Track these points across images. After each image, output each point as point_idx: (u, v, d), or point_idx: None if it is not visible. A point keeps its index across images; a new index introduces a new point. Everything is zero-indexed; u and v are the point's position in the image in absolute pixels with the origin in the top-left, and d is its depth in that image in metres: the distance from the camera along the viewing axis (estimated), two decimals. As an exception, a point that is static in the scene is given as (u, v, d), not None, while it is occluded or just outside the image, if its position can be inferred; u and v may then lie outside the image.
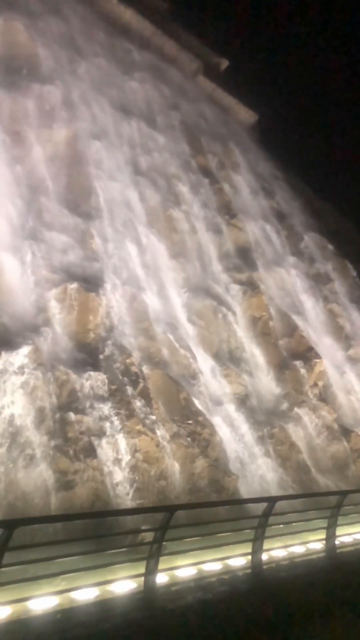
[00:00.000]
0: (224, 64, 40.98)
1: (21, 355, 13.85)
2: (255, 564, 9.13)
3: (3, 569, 6.06)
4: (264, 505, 9.53)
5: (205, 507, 12.33)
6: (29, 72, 22.26)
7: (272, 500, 9.70)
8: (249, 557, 9.20)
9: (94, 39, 28.06)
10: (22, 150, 19.91)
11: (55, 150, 21.09)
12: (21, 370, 13.65)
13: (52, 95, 22.26)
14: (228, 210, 28.37)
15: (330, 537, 10.81)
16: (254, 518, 9.48)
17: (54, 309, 16.50)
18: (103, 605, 7.13)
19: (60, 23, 26.37)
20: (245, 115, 40.57)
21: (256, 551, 9.17)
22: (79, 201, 20.38)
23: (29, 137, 20.45)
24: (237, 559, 9.35)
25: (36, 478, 12.44)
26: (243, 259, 26.59)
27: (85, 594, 7.19)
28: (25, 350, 13.99)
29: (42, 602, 6.79)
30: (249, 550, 9.19)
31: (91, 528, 10.40)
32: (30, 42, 23.13)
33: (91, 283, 17.65)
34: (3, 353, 13.60)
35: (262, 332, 24.17)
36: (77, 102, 23.45)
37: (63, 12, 27.13)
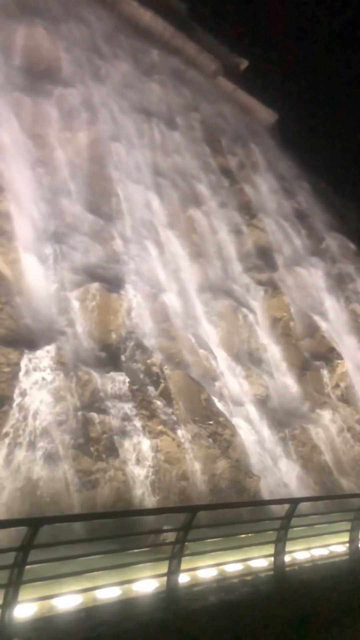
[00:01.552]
0: (244, 64, 40.90)
1: (44, 356, 14.04)
2: (278, 566, 9.06)
3: (28, 567, 6.13)
4: (285, 507, 9.47)
5: (228, 508, 12.31)
6: (50, 76, 22.52)
7: (294, 501, 9.63)
8: (271, 558, 9.14)
9: (114, 42, 28.26)
10: (44, 153, 20.16)
11: (77, 153, 21.31)
12: (44, 370, 13.84)
13: (73, 98, 22.49)
14: (248, 211, 28.29)
15: (354, 539, 10.68)
16: (276, 519, 9.43)
17: (76, 309, 16.67)
18: (126, 604, 7.16)
19: (81, 27, 26.62)
20: (265, 115, 40.42)
21: (279, 553, 9.11)
22: (100, 203, 20.55)
23: (51, 140, 20.69)
24: (259, 561, 9.30)
25: (59, 477, 12.58)
26: (263, 259, 26.49)
27: (109, 592, 7.24)
28: (48, 350, 14.19)
29: (67, 600, 6.85)
30: (271, 551, 9.13)
31: (113, 527, 10.47)
32: (52, 46, 23.42)
33: (112, 284, 17.79)
34: (26, 353, 13.79)
35: (283, 332, 24.04)
36: (98, 105, 23.65)
37: (84, 16, 27.39)
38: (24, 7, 23.58)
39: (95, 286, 17.22)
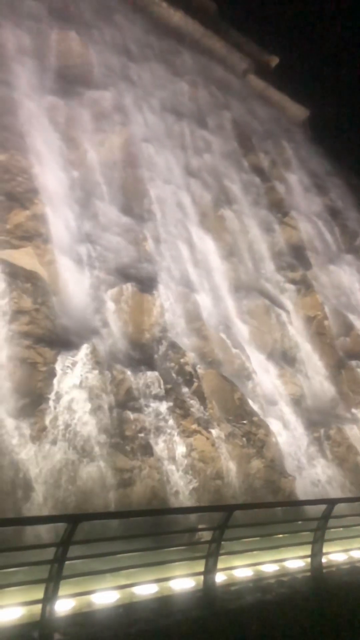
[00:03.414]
0: (274, 61, 40.56)
1: (80, 355, 14.25)
2: (315, 567, 8.94)
3: (67, 563, 6.22)
4: (320, 507, 9.34)
5: (265, 508, 12.22)
6: (83, 79, 22.83)
7: (331, 502, 9.49)
8: (308, 559, 9.03)
9: (145, 44, 28.43)
10: (77, 155, 20.44)
11: (109, 155, 21.53)
12: (80, 369, 14.04)
13: (105, 101, 22.76)
14: (280, 209, 28.04)
15: (393, 542, 10.48)
16: (313, 520, 9.32)
17: (110, 309, 16.85)
18: (163, 602, 7.18)
19: (112, 30, 26.90)
20: (297, 111, 39.99)
21: (315, 554, 8.99)
22: (133, 203, 20.72)
23: (83, 142, 20.97)
24: (296, 561, 9.20)
25: (95, 475, 12.74)
26: (296, 257, 26.20)
27: (146, 589, 7.28)
28: (83, 349, 14.39)
29: (105, 596, 6.91)
30: (308, 552, 9.02)
31: (149, 525, 10.52)
32: (84, 50, 23.75)
33: (145, 284, 17.90)
34: (62, 352, 14.02)
35: (317, 331, 23.73)
36: (130, 107, 23.85)
37: (115, 19, 27.66)
38: (56, 12, 24.00)
39: (128, 287, 17.38)
